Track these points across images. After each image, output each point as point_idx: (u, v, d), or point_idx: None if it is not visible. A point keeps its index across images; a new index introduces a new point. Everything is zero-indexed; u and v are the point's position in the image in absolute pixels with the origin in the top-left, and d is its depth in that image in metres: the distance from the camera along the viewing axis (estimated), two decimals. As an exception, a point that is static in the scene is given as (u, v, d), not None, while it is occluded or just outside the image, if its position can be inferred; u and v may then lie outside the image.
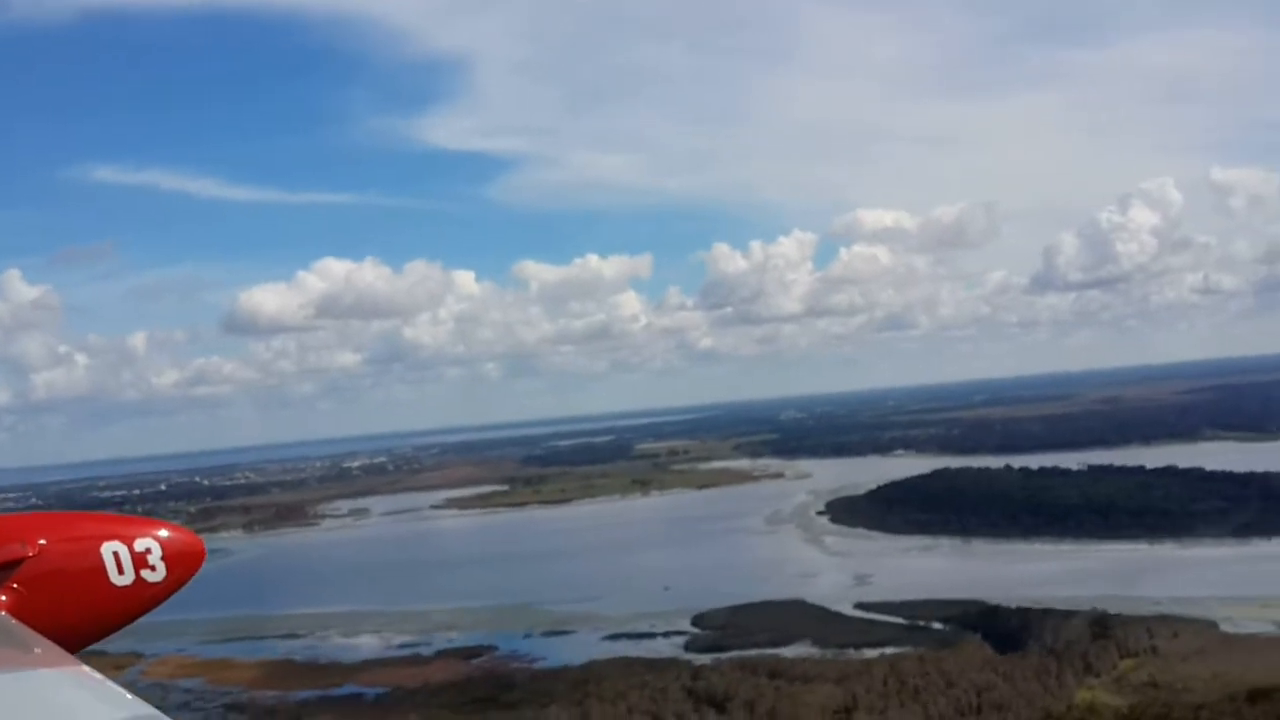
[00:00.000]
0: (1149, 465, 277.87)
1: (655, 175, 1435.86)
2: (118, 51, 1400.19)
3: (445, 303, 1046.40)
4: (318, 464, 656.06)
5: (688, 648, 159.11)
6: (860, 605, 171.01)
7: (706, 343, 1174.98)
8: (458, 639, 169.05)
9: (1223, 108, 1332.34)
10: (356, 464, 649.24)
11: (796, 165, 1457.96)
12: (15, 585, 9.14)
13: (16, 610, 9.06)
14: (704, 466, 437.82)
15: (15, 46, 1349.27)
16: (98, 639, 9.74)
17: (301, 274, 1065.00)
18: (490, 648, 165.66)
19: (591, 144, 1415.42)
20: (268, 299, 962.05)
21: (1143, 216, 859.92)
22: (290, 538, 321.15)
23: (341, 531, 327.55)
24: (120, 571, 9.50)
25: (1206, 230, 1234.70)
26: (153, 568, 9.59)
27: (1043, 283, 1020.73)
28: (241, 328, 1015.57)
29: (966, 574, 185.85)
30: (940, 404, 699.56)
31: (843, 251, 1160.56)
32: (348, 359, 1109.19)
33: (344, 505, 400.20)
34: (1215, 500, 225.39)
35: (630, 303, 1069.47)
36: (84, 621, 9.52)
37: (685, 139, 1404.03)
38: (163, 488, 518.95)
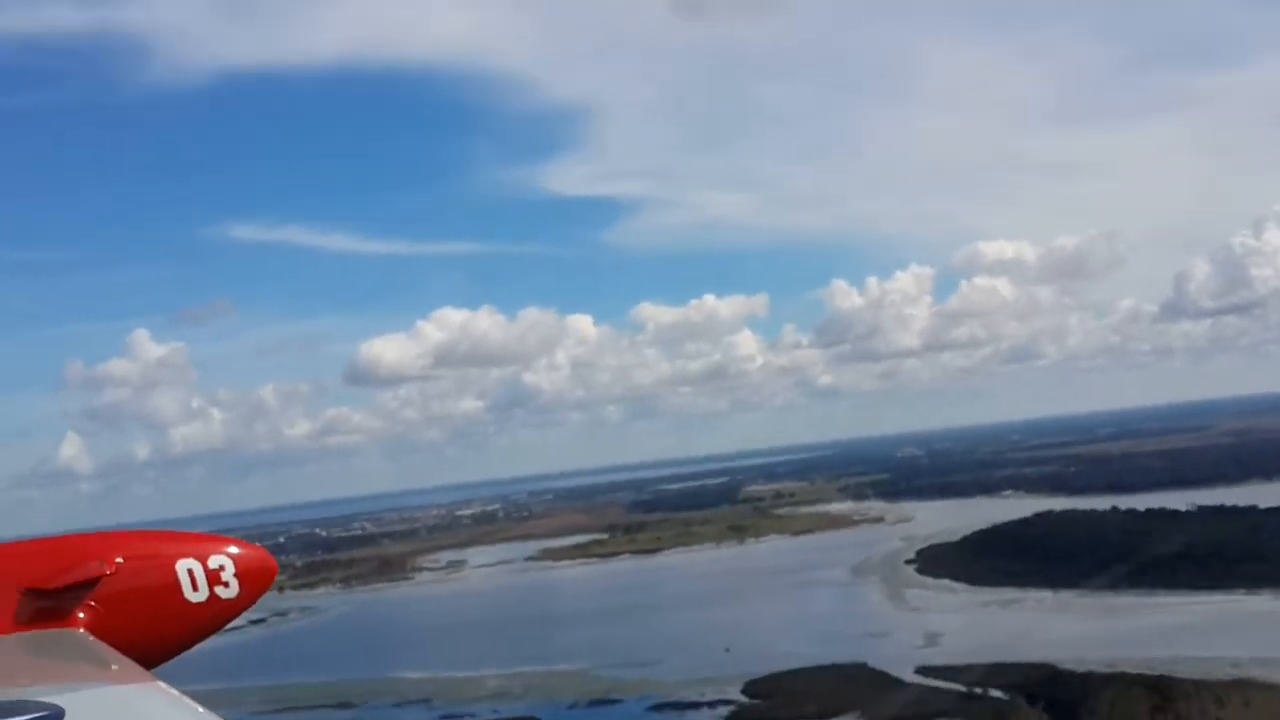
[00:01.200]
0: (1263, 505, 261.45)
1: (773, 213, 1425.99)
2: (256, 111, 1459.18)
3: (564, 347, 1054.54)
4: (434, 512, 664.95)
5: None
6: (922, 669, 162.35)
7: (826, 379, 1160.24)
8: (502, 709, 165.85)
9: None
10: (469, 512, 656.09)
11: (915, 199, 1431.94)
12: (93, 603, 9.37)
13: (95, 627, 9.28)
14: (806, 510, 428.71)
15: (157, 108, 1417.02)
16: (174, 655, 9.97)
17: (420, 323, 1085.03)
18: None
19: (710, 184, 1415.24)
20: (387, 349, 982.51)
21: (1278, 239, 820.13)
22: (384, 593, 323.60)
23: (433, 586, 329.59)
24: (195, 588, 9.81)
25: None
26: (226, 584, 9.94)
27: (1174, 310, 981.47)
28: (362, 379, 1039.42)
29: (1045, 632, 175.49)
30: (1064, 438, 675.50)
31: (963, 284, 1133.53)
32: (469, 405, 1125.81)
33: (444, 557, 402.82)
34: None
35: (746, 342, 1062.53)
36: (160, 638, 9.75)
37: (803, 176, 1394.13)
38: (280, 540, 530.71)
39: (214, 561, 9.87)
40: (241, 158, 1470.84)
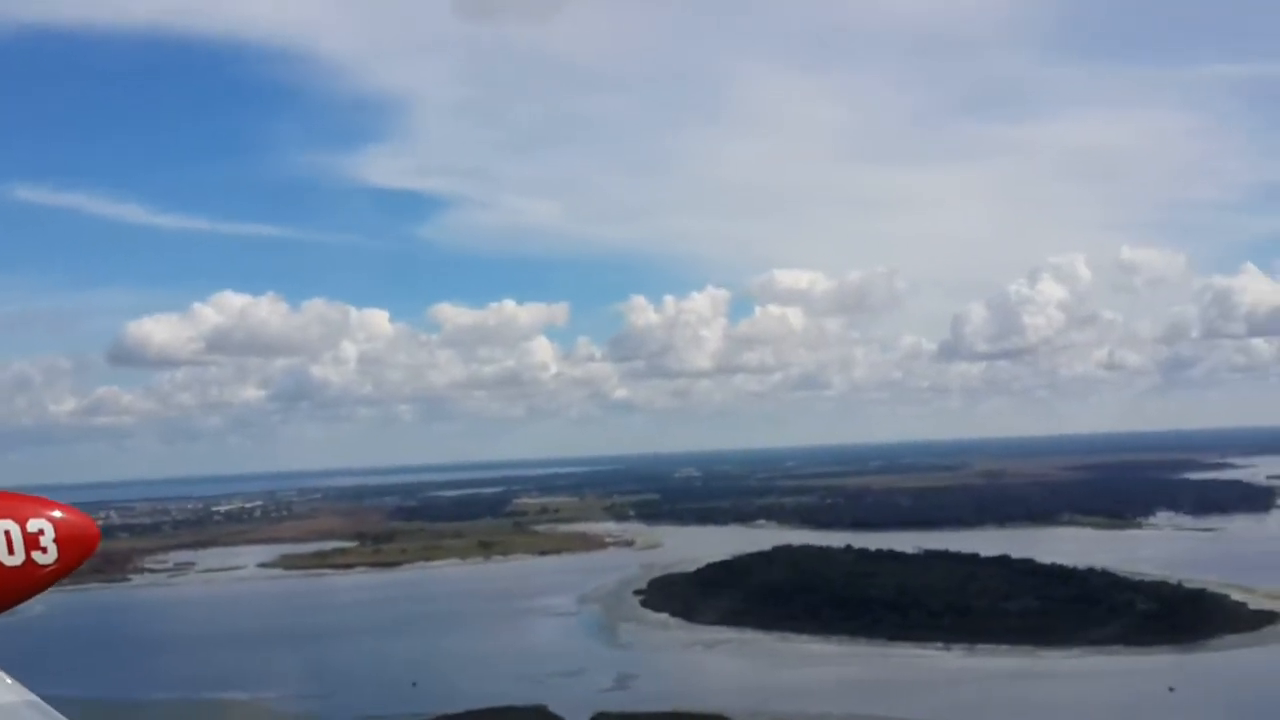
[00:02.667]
0: (984, 553, 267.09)
1: (582, 223, 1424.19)
2: (58, 71, 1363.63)
3: (355, 341, 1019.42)
4: (190, 506, 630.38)
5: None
6: (600, 716, 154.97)
7: (621, 393, 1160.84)
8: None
9: (1137, 187, 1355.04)
10: (226, 508, 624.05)
11: (721, 221, 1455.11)
12: None
13: None
14: (564, 529, 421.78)
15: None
16: None
17: (197, 305, 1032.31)
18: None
19: (522, 189, 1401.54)
20: (157, 330, 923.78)
21: (1051, 290, 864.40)
22: (90, 595, 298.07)
23: (143, 591, 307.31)
24: (10, 552, 9.62)
25: (1113, 307, 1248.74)
26: (44, 549, 9.78)
27: (950, 351, 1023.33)
28: (128, 358, 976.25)
29: (736, 679, 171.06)
30: (836, 468, 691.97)
31: (757, 309, 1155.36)
32: (251, 394, 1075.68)
33: (174, 558, 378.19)
34: (1029, 598, 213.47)
35: (543, 350, 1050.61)
36: None
37: (615, 189, 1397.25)
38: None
39: (33, 525, 9.64)
40: (35, 117, 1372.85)
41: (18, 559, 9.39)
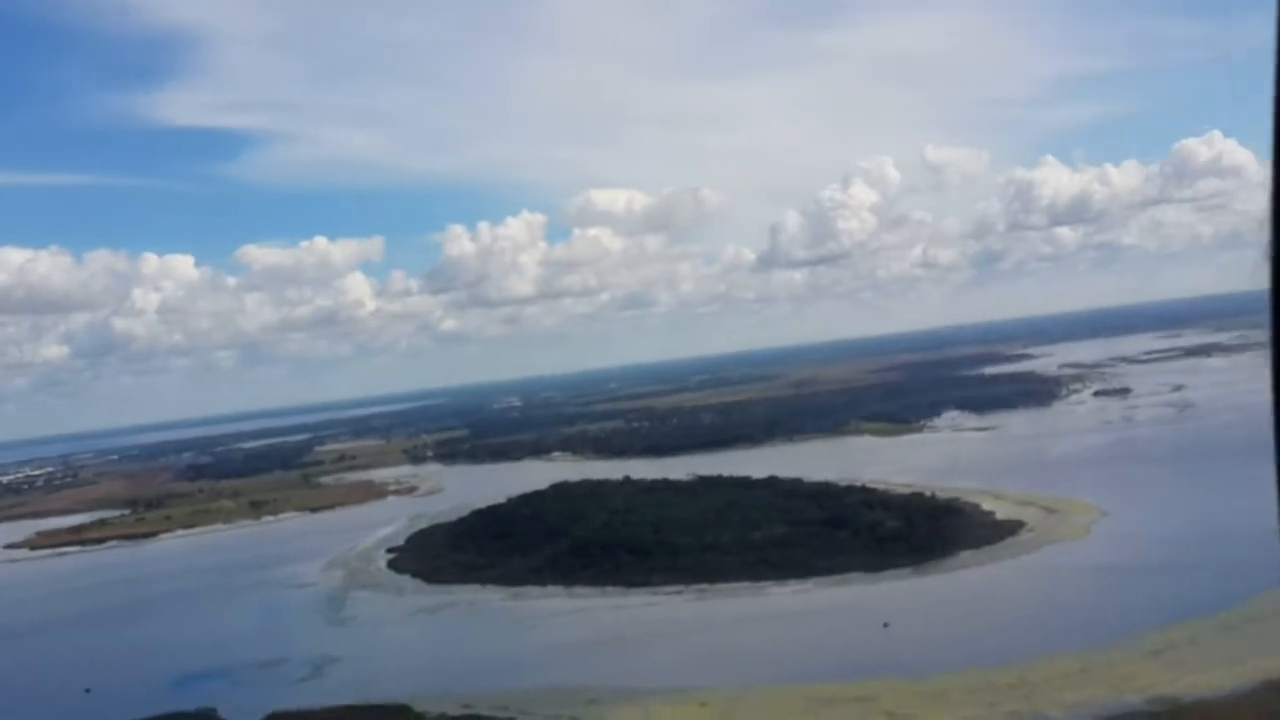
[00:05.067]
0: (757, 475, 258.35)
1: (399, 153, 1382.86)
2: None
3: (161, 290, 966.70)
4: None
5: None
6: (273, 716, 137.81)
7: (450, 324, 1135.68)
8: None
9: (942, 88, 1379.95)
10: (8, 479, 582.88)
11: (539, 146, 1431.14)
12: None
13: None
14: (352, 478, 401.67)
15: None
16: None
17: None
18: None
19: (336, 120, 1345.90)
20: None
21: (863, 194, 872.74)
22: None
23: None
24: None
25: (923, 207, 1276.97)
26: None
27: (769, 260, 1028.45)
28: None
29: (446, 652, 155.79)
30: (656, 386, 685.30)
31: (575, 231, 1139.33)
32: (52, 352, 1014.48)
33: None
34: (780, 525, 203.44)
35: (358, 287, 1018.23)
36: None
37: (431, 117, 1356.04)
38: None
39: None
40: None
41: None
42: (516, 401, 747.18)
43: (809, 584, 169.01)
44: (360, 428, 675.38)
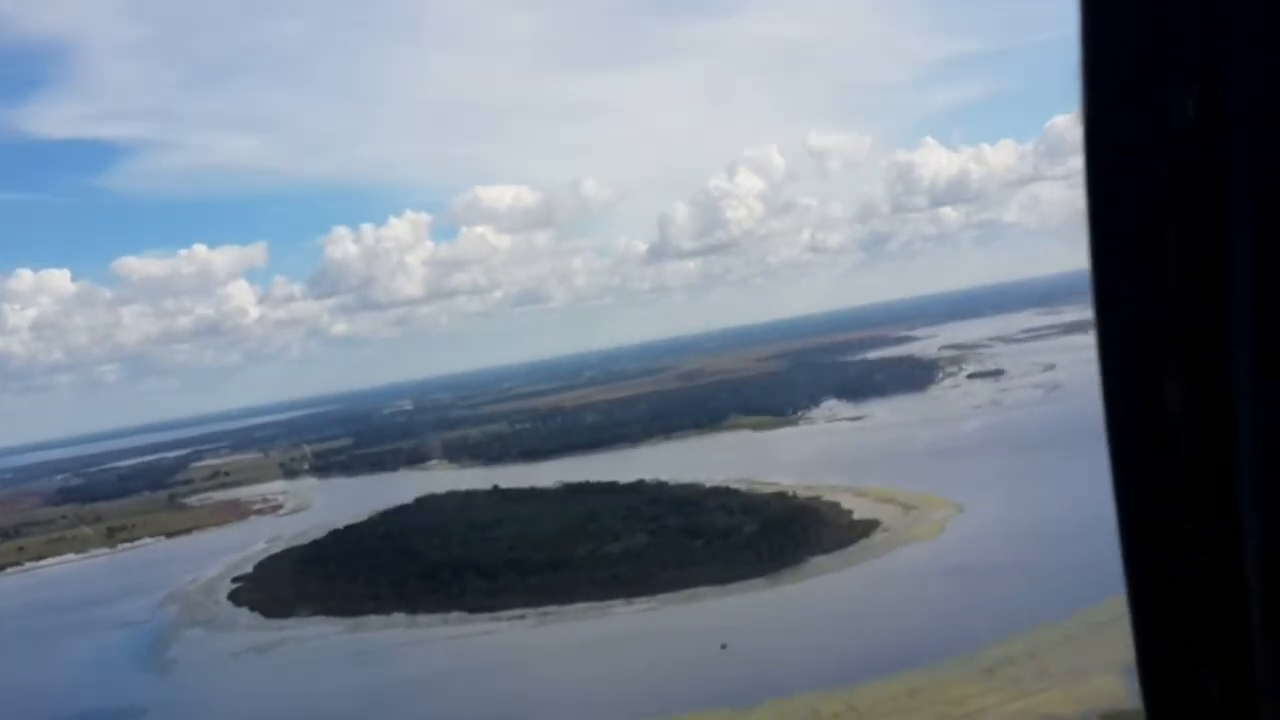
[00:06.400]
0: (625, 479, 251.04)
1: (282, 157, 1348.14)
2: None
3: (39, 304, 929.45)
4: None
5: None
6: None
7: (341, 328, 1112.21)
8: None
9: (823, 74, 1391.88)
10: None
11: (424, 144, 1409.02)
12: None
13: None
14: (220, 496, 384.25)
15: None
16: None
17: None
18: None
19: (213, 125, 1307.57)
20: None
21: (749, 182, 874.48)
22: None
23: None
24: None
25: (808, 192, 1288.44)
26: None
27: (658, 252, 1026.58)
28: None
29: (260, 701, 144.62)
30: (548, 384, 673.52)
31: (462, 229, 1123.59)
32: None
33: None
34: (640, 535, 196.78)
35: (241, 294, 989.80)
36: None
37: (311, 119, 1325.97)
38: None
39: None
40: None
41: None
42: (407, 405, 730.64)
43: (656, 601, 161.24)
44: (242, 440, 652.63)
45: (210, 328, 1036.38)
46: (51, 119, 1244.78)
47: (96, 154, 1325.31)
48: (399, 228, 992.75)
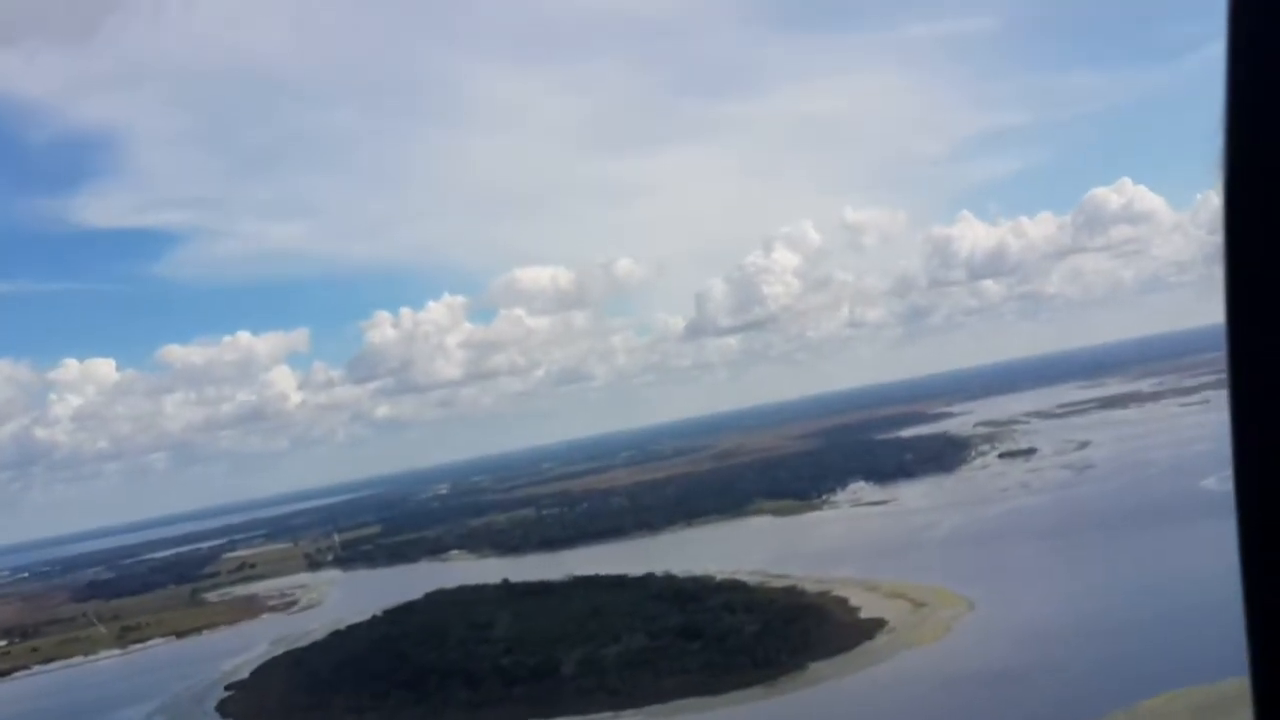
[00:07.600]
0: (635, 572, 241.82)
1: (326, 241, 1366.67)
2: None
3: (82, 394, 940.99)
4: None
5: None
6: None
7: (384, 411, 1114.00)
8: None
9: (858, 150, 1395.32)
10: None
11: (464, 226, 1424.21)
12: None
13: None
14: (240, 591, 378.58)
15: None
16: None
17: None
18: None
19: (259, 212, 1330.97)
20: None
21: (786, 258, 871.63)
22: None
23: None
24: None
25: (845, 267, 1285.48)
26: None
27: (697, 329, 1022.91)
28: None
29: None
30: (586, 465, 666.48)
31: (501, 311, 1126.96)
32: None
33: None
34: (639, 635, 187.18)
35: (283, 380, 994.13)
36: None
37: (355, 204, 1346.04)
38: None
39: None
40: None
41: None
42: (443, 490, 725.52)
43: (642, 715, 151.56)
44: (279, 528, 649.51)
45: (253, 413, 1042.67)
46: (99, 209, 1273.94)
47: (144, 243, 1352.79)
48: (437, 310, 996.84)
